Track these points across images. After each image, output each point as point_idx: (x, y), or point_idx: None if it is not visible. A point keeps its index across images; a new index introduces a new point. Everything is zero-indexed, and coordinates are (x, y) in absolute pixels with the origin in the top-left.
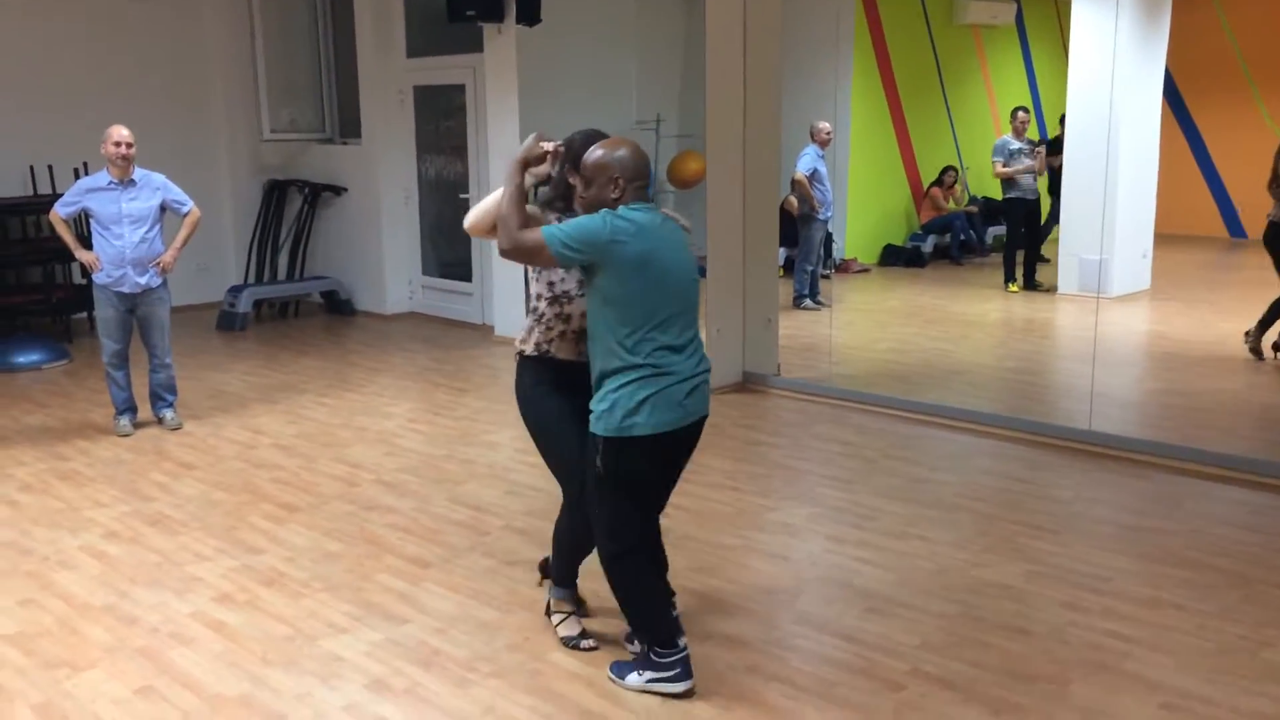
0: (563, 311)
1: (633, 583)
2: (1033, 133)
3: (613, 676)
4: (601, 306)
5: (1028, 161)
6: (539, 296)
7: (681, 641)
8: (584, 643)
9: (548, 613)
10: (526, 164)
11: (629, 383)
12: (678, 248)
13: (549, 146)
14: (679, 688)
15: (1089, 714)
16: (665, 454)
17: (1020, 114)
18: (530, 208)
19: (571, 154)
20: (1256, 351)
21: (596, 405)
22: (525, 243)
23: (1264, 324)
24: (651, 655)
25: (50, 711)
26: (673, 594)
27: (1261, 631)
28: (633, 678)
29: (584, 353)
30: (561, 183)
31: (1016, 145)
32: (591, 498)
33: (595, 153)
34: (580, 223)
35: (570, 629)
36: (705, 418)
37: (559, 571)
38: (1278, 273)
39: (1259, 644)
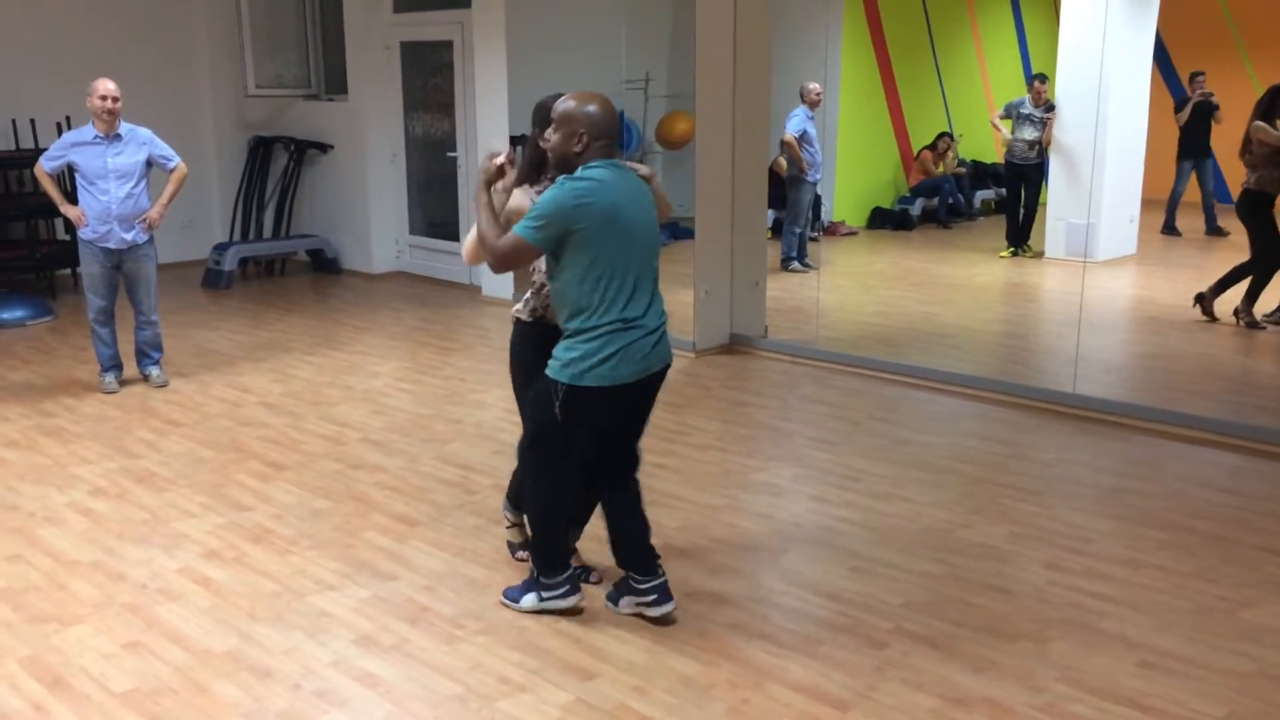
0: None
1: (553, 516)
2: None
3: (506, 602)
4: (569, 272)
5: (1028, 129)
6: (535, 270)
7: (570, 565)
8: (519, 553)
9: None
10: (489, 183)
11: (597, 337)
12: (642, 201)
13: (501, 159)
14: (569, 602)
15: (1068, 671)
16: (626, 404)
17: (1037, 82)
18: (519, 198)
19: (541, 116)
20: (1208, 312)
21: (562, 353)
22: (504, 248)
23: (1220, 286)
24: (542, 578)
25: (38, 665)
26: (657, 557)
27: (1240, 592)
28: (528, 599)
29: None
30: (534, 151)
31: (1027, 110)
32: (532, 435)
33: (567, 103)
34: (542, 201)
35: (514, 536)
36: (669, 366)
37: (515, 492)
38: (1250, 241)
39: (1237, 604)
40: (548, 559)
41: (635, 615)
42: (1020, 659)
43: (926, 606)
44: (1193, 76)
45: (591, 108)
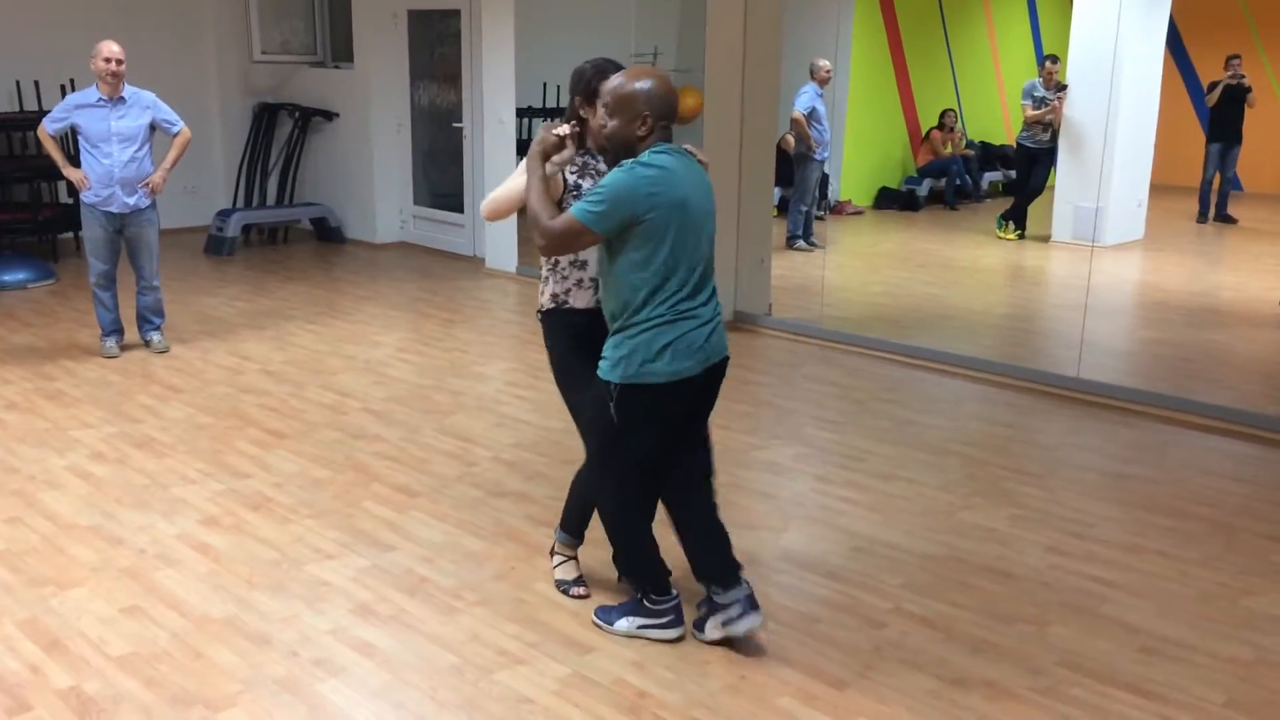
0: (578, 259)
1: (631, 530)
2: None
3: (599, 622)
4: (629, 261)
5: (1043, 110)
6: None
7: (674, 590)
8: (574, 589)
9: (552, 553)
10: (546, 155)
11: (649, 329)
12: (704, 191)
13: (564, 130)
14: (671, 634)
15: (1069, 655)
16: (685, 400)
17: (1048, 63)
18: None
19: (583, 85)
20: None
21: (611, 351)
22: (560, 229)
23: None
24: (645, 602)
25: (36, 627)
26: (739, 567)
27: (1242, 579)
28: (623, 624)
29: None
30: (573, 118)
31: (1042, 93)
32: (596, 444)
33: (617, 81)
34: (607, 184)
35: (567, 573)
36: (728, 359)
37: (568, 518)
38: None
39: (1240, 592)
40: (648, 578)
41: (723, 640)
42: (1020, 642)
43: (926, 588)
44: (1228, 60)
45: (649, 84)
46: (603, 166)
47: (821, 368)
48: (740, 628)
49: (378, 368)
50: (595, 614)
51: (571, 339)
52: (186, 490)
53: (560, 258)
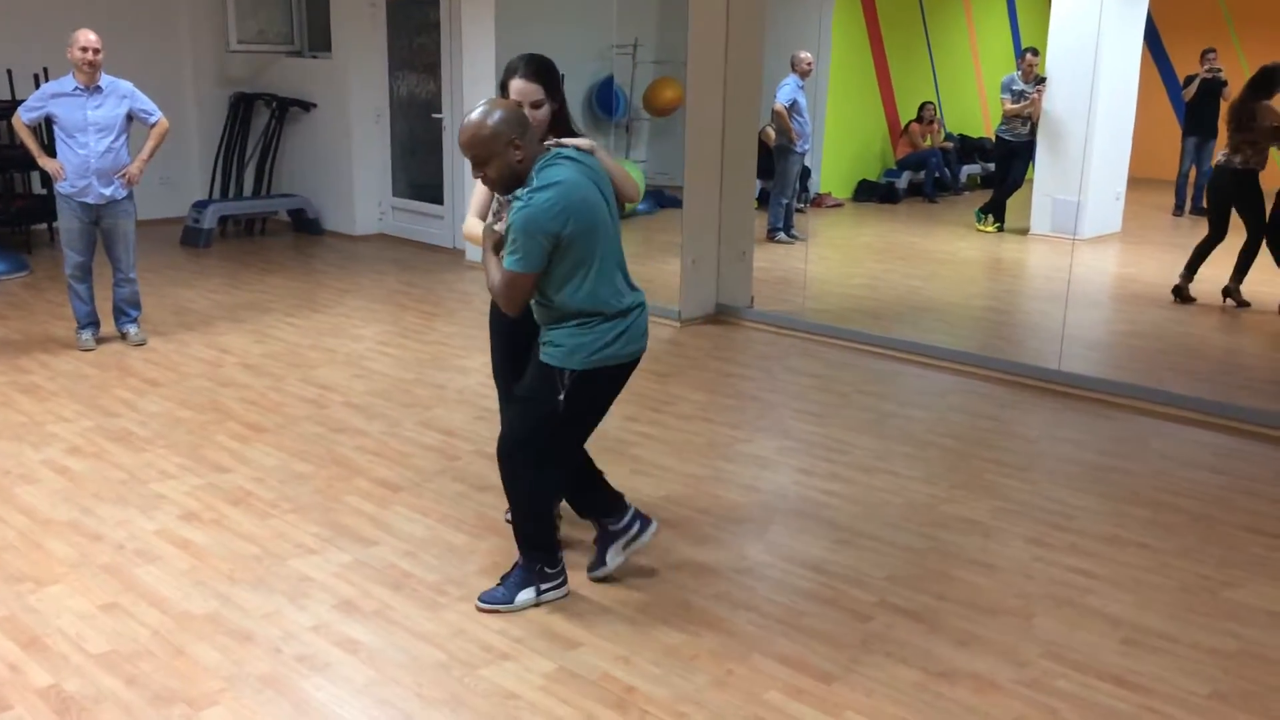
0: None
1: (548, 505)
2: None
3: (493, 607)
4: (561, 280)
5: (1022, 104)
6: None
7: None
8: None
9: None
10: (497, 248)
11: (599, 324)
12: (601, 181)
13: (501, 227)
14: (563, 591)
15: (1052, 647)
16: (621, 381)
17: (1029, 55)
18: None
19: (509, 79)
20: (1234, 297)
21: (565, 339)
22: (503, 290)
23: (1239, 273)
24: (546, 569)
25: (14, 625)
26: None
27: (1223, 571)
28: (524, 595)
29: None
30: None
31: (1020, 86)
32: (531, 427)
33: (466, 138)
34: (514, 226)
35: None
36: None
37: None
38: (1246, 220)
39: (1220, 583)
40: (550, 548)
41: (627, 561)
42: (1004, 634)
43: (910, 580)
44: (1204, 54)
45: (497, 114)
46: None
47: (804, 360)
48: (645, 539)
49: (358, 361)
50: (481, 602)
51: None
52: (165, 485)
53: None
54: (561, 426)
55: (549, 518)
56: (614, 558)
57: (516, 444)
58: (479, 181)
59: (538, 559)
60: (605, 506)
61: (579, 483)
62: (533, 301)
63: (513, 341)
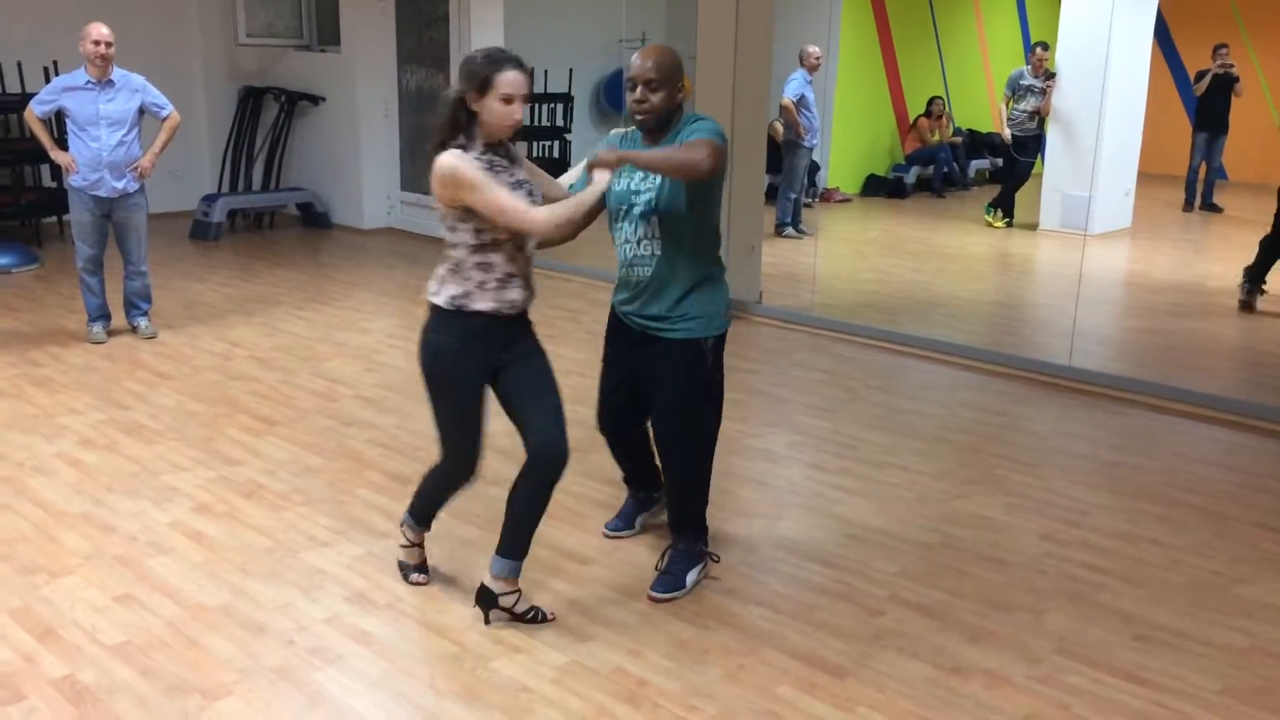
0: (486, 260)
1: (707, 480)
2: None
3: (669, 595)
4: (695, 213)
5: (1028, 99)
6: (457, 245)
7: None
8: (414, 576)
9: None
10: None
11: (719, 280)
12: None
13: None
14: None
15: (1064, 643)
16: None
17: (1039, 49)
18: (453, 161)
19: (470, 74)
20: (1247, 304)
21: (702, 308)
22: (713, 149)
23: (1255, 274)
24: (701, 547)
25: (29, 616)
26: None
27: (1235, 567)
28: (691, 576)
29: (504, 302)
30: (462, 112)
31: (1028, 81)
32: (686, 406)
33: (658, 52)
34: (703, 128)
35: (411, 557)
36: None
37: (419, 508)
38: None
39: (1232, 580)
40: (704, 521)
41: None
42: (1017, 629)
43: (922, 575)
44: (1216, 49)
45: (673, 55)
46: (504, 162)
47: (813, 355)
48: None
49: (368, 354)
50: (653, 592)
51: (462, 338)
52: (178, 477)
53: (467, 259)
54: (715, 391)
55: (707, 489)
56: (692, 579)
57: (686, 435)
58: (499, 185)
59: (700, 538)
60: (655, 482)
61: (643, 458)
62: (650, 267)
63: (632, 375)
